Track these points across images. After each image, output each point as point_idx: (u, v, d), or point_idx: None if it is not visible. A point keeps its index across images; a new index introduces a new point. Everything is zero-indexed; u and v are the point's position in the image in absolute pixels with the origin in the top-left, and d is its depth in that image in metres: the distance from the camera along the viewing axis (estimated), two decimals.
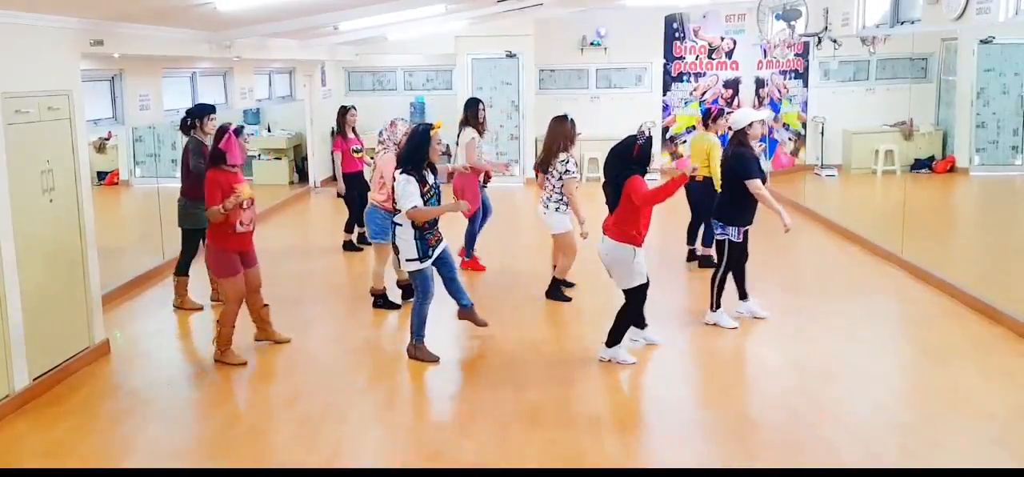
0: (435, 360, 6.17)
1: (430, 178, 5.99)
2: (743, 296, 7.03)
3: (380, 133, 7.43)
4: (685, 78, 14.78)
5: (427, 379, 6.04)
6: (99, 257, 6.43)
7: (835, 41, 11.42)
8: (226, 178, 5.91)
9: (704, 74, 14.65)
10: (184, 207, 7.38)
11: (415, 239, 5.92)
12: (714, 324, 6.82)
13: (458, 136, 8.61)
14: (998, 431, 4.96)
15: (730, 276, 6.84)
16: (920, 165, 14.01)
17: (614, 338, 6.06)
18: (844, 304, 7.54)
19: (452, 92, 14.66)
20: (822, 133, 14.57)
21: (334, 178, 9.82)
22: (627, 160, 5.83)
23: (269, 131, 14.98)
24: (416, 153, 5.93)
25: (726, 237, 6.74)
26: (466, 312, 6.46)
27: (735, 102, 14.43)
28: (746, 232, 6.79)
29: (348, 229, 9.79)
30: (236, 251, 6.06)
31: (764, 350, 6.48)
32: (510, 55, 14.41)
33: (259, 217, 9.42)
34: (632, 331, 6.25)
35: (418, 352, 6.22)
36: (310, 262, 9.44)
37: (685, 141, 14.94)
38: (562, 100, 14.88)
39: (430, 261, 6.05)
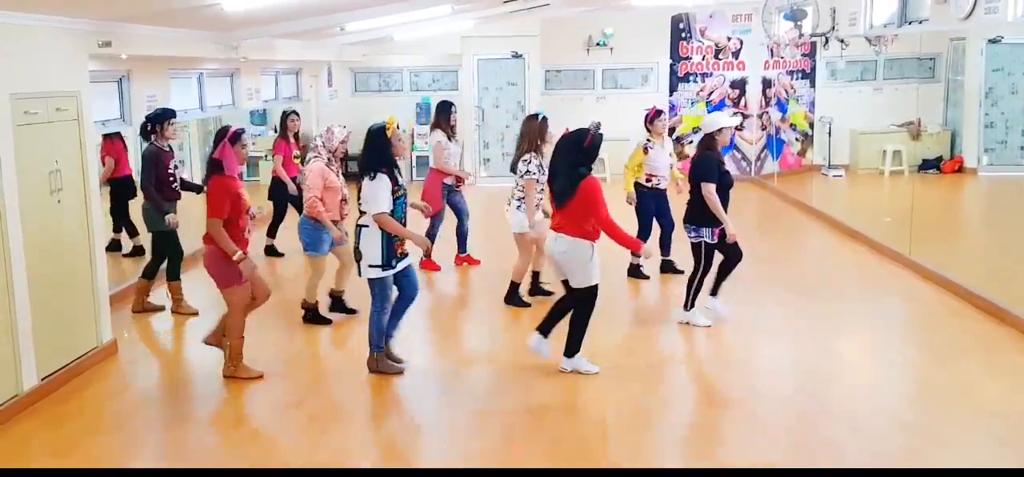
0: (399, 371, 5.90)
1: (400, 179, 5.68)
2: (714, 292, 6.89)
3: (314, 140, 7.09)
4: (692, 78, 14.76)
5: (432, 379, 6.04)
6: (106, 257, 6.46)
7: (842, 41, 11.40)
8: (231, 185, 5.66)
9: (710, 74, 14.63)
10: (148, 211, 7.21)
11: (382, 244, 5.58)
12: (686, 323, 6.80)
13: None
14: (1005, 431, 4.95)
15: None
16: (928, 165, 13.96)
17: (573, 346, 5.84)
18: (851, 304, 7.52)
19: (458, 92, 14.67)
20: (829, 133, 14.53)
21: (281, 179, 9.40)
22: (577, 151, 5.64)
23: (276, 132, 15.00)
24: (381, 152, 5.60)
25: (700, 239, 6.70)
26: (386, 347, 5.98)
27: (742, 102, 14.42)
28: (722, 232, 6.67)
29: (271, 233, 9.59)
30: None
31: (770, 350, 6.47)
32: (516, 55, 14.42)
33: (265, 217, 9.52)
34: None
35: (380, 364, 5.89)
36: None
37: (692, 141, 14.92)
38: (568, 100, 14.91)
39: (393, 271, 5.71)
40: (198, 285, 7.46)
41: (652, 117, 8.23)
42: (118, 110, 8.04)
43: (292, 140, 9.44)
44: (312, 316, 7.12)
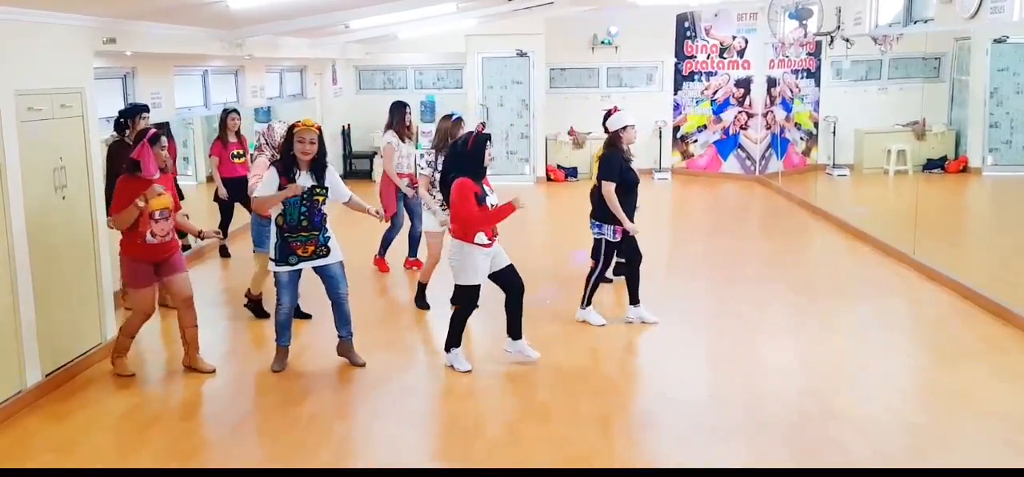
0: (279, 369, 6.00)
1: (301, 178, 5.67)
2: (634, 301, 6.94)
3: (258, 138, 7.16)
4: (696, 77, 14.75)
5: (435, 378, 6.04)
6: (110, 254, 6.46)
7: (847, 40, 11.37)
8: (138, 187, 5.57)
9: (715, 73, 14.62)
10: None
11: (276, 238, 5.73)
12: (583, 321, 6.86)
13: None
14: (1010, 432, 4.93)
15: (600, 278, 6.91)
16: (932, 165, 13.94)
17: (451, 340, 5.97)
18: (855, 304, 7.50)
19: (462, 91, 14.68)
20: (834, 133, 14.51)
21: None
22: (460, 156, 5.74)
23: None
24: (285, 151, 5.75)
25: (602, 236, 6.75)
26: (342, 344, 6.16)
27: (747, 101, 14.40)
28: (624, 231, 6.70)
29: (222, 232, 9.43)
30: (148, 261, 5.74)
31: (773, 349, 6.46)
32: (521, 54, 14.41)
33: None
34: (508, 342, 6.07)
35: (276, 360, 6.06)
36: None
37: (696, 140, 14.92)
38: (573, 99, 14.93)
39: (288, 267, 5.76)
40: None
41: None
42: (123, 107, 8.04)
43: (232, 139, 9.20)
44: (254, 307, 7.23)
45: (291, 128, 5.76)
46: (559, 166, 14.74)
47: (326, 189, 5.78)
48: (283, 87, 12.40)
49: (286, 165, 5.70)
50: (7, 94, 5.26)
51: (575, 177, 14.75)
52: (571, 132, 14.80)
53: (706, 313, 7.20)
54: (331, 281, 5.95)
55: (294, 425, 5.28)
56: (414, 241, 8.70)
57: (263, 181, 5.75)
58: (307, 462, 4.76)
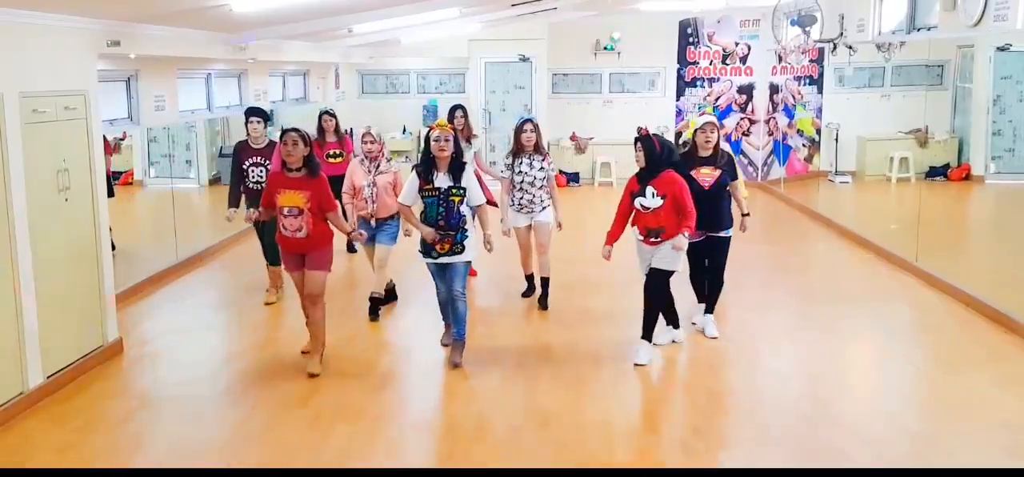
0: (448, 343, 6.39)
1: (439, 179, 5.92)
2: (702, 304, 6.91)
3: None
4: (699, 83, 14.75)
5: (438, 381, 6.04)
6: (113, 256, 6.47)
7: (850, 47, 11.38)
8: (277, 181, 5.92)
9: (718, 79, 14.62)
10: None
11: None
12: (699, 330, 6.77)
13: None
14: (1011, 440, 4.93)
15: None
16: (935, 172, 13.94)
17: (645, 330, 6.20)
18: (857, 311, 7.50)
19: (465, 95, 14.69)
20: (836, 139, 14.51)
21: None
22: None
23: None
24: (423, 153, 6.07)
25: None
26: (452, 341, 6.33)
27: (749, 108, 14.40)
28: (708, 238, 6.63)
29: None
30: (287, 251, 6.04)
31: (776, 357, 6.46)
32: (523, 59, 14.42)
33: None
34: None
35: (445, 334, 6.53)
36: None
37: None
38: (575, 104, 14.93)
39: (432, 259, 6.08)
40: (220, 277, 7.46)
41: None
42: (126, 109, 8.06)
43: (331, 138, 9.25)
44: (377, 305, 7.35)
45: (428, 133, 6.00)
46: (561, 171, 14.74)
47: (463, 190, 5.96)
48: (286, 90, 12.41)
49: (426, 168, 5.95)
50: (11, 96, 5.28)
51: (577, 182, 14.76)
52: (573, 137, 14.80)
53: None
54: (449, 277, 6.14)
55: (297, 425, 5.28)
56: None
57: (406, 185, 6.09)
58: (308, 463, 4.77)
